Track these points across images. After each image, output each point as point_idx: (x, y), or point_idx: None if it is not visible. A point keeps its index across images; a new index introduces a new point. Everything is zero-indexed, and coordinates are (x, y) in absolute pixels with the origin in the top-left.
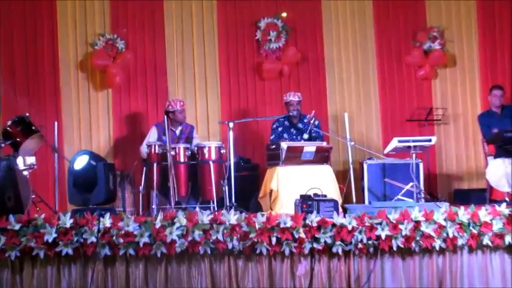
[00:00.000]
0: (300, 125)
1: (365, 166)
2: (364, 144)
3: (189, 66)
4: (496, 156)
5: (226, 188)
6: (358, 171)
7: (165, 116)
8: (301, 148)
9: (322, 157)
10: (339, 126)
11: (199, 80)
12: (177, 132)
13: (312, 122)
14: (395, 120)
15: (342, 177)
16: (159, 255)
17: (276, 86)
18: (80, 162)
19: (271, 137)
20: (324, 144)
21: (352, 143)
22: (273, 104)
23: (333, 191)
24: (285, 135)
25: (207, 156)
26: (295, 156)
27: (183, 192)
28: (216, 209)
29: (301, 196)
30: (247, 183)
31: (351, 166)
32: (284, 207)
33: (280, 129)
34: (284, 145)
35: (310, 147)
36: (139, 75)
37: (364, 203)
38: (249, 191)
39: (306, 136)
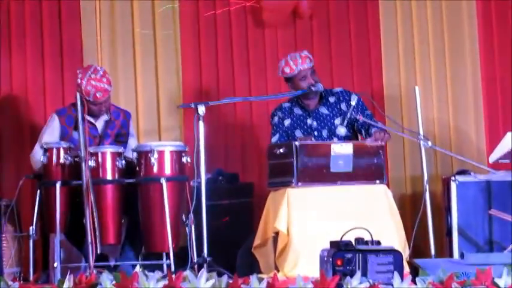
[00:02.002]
0: (325, 109)
1: (453, 186)
2: (452, 145)
3: (122, 4)
4: None
5: (193, 228)
6: (439, 195)
7: (78, 95)
8: (329, 149)
9: (369, 168)
10: (403, 114)
11: (141, 29)
12: (100, 124)
13: (356, 103)
14: (509, 103)
15: (409, 206)
16: None
17: (287, 38)
18: None
19: (273, 139)
20: (369, 141)
21: (429, 143)
22: None
23: (392, 233)
24: (298, 133)
25: (155, 169)
26: (318, 166)
27: (111, 238)
28: (173, 268)
29: (333, 244)
30: (233, 220)
31: (427, 186)
32: (300, 264)
33: (287, 122)
34: (299, 146)
35: (343, 147)
36: (30, 21)
37: (451, 256)
38: (235, 235)
39: (342, 130)
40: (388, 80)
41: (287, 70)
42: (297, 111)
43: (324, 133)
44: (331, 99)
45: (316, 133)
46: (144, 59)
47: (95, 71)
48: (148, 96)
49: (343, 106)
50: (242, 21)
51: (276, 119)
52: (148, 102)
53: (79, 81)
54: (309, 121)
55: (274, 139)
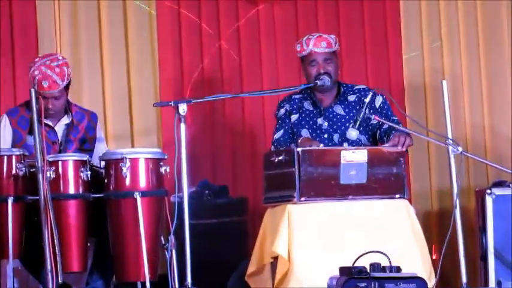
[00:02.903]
0: (340, 109)
1: (489, 201)
2: (487, 152)
3: None
4: None
5: (174, 252)
6: (472, 212)
7: (33, 91)
8: (338, 156)
9: (387, 179)
10: (428, 113)
11: (110, 8)
12: (59, 128)
13: (371, 100)
14: None
15: (436, 225)
16: None
17: (286, 16)
18: None
19: (276, 135)
20: (386, 146)
21: (460, 148)
22: (282, 62)
23: (414, 257)
24: (304, 132)
25: (128, 181)
26: (325, 178)
27: (74, 265)
28: None
29: (343, 270)
30: (222, 242)
31: (457, 201)
32: None
33: (294, 117)
34: (302, 152)
35: (355, 154)
36: None
37: (486, 284)
38: (224, 261)
39: (353, 133)
40: (410, 72)
41: (298, 48)
42: (308, 106)
43: (336, 137)
44: (351, 98)
45: (326, 136)
46: (112, 46)
47: (54, 59)
48: (118, 93)
49: (365, 105)
50: None
51: (282, 111)
52: (118, 99)
53: (31, 64)
54: (319, 120)
55: (277, 135)
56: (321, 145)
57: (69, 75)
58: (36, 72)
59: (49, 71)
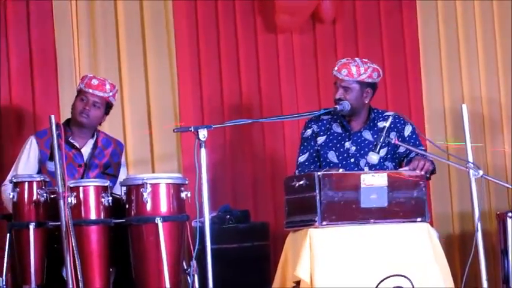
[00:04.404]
0: (369, 134)
1: (510, 224)
2: (508, 175)
3: (104, 4)
4: None
5: (196, 278)
6: (494, 235)
7: (53, 118)
8: (358, 180)
9: (408, 203)
10: (448, 137)
11: (128, 35)
12: (86, 150)
13: (400, 129)
14: None
15: (458, 249)
16: None
17: (305, 44)
18: None
19: (300, 158)
20: (406, 170)
21: (480, 172)
22: (301, 87)
23: (437, 280)
24: (331, 156)
25: (149, 206)
26: (346, 202)
27: None
28: None
29: None
30: (244, 267)
31: (478, 224)
32: None
33: (321, 139)
34: (323, 176)
35: (375, 178)
36: None
37: None
38: (247, 285)
39: (374, 157)
40: (429, 96)
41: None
42: (336, 128)
43: (362, 163)
44: (380, 124)
45: (352, 160)
46: (131, 72)
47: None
48: (138, 118)
49: (393, 135)
50: (250, 24)
51: (308, 132)
52: (138, 124)
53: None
54: (347, 144)
55: (302, 158)
56: (341, 170)
57: (114, 98)
58: (89, 75)
59: (102, 79)
